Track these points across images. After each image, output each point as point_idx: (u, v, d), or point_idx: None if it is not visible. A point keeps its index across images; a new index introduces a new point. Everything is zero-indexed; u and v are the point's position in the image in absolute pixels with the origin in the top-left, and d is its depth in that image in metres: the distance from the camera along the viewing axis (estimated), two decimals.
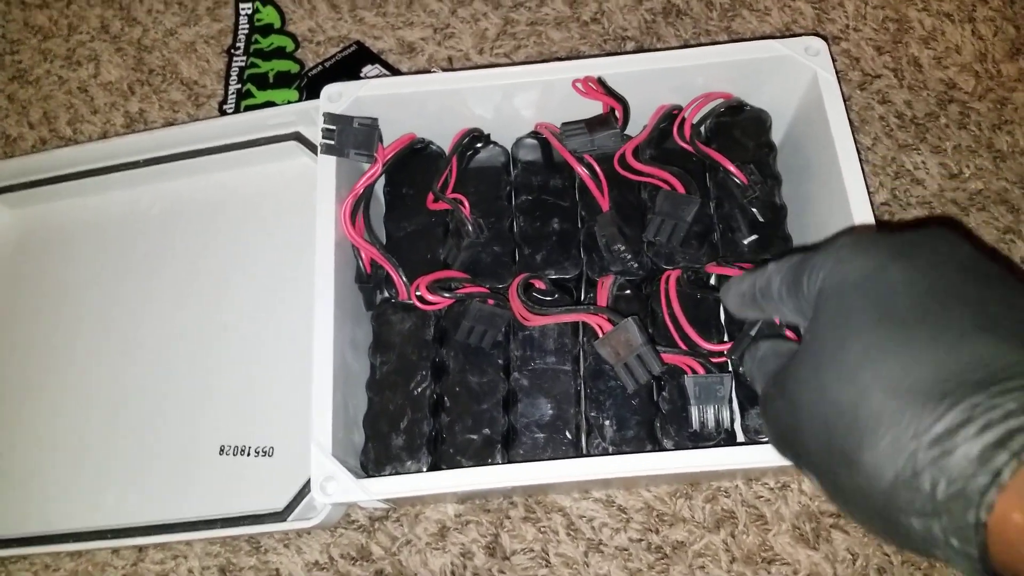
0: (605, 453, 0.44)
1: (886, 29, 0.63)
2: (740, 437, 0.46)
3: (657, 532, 0.51)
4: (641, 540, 0.51)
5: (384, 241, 0.49)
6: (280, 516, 0.45)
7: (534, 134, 0.51)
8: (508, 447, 0.45)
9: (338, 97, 0.48)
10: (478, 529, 0.51)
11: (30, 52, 0.71)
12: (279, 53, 0.66)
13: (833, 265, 0.30)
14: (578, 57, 0.63)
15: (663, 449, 0.44)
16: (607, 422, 0.45)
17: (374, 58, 0.65)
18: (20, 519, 0.51)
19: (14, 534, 0.49)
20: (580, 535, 0.51)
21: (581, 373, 0.46)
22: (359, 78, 0.64)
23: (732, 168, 0.46)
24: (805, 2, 0.64)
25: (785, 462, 0.40)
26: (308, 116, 0.54)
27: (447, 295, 0.45)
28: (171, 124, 0.65)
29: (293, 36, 0.67)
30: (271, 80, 0.65)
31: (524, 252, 0.48)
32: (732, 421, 0.44)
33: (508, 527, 0.51)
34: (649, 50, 0.64)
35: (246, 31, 0.68)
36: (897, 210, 0.58)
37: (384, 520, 0.52)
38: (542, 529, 0.51)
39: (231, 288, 0.56)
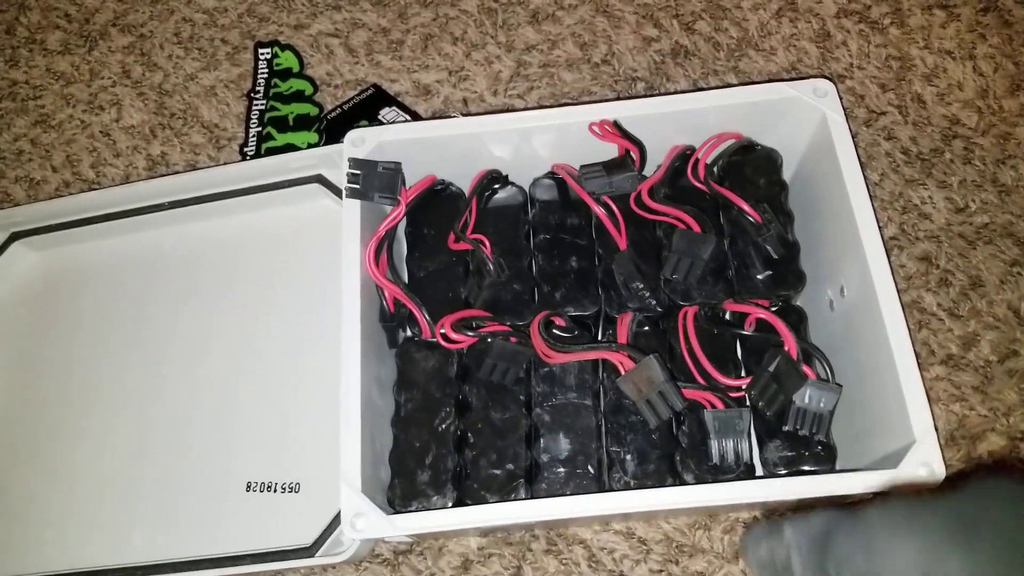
0: (627, 487, 0.45)
1: (889, 67, 0.65)
2: (759, 469, 0.46)
3: (677, 563, 0.51)
4: (662, 571, 0.51)
5: (406, 281, 0.51)
6: (308, 551, 0.46)
7: (551, 174, 0.52)
8: (531, 482, 0.46)
9: (361, 142, 0.49)
10: (500, 562, 0.52)
11: (53, 97, 0.73)
12: (298, 96, 0.68)
13: (864, 560, 0.24)
14: (594, 101, 0.65)
15: (684, 483, 0.45)
16: (628, 456, 0.45)
17: (391, 100, 0.67)
18: (50, 558, 0.52)
19: (43, 572, 0.50)
20: (601, 567, 0.51)
21: (602, 408, 0.47)
22: (377, 120, 0.66)
23: (746, 207, 0.47)
24: (810, 42, 0.66)
25: (796, 497, 0.40)
26: (330, 159, 0.56)
27: (470, 333, 0.46)
28: (193, 166, 0.67)
29: (312, 80, 0.69)
30: (291, 123, 0.67)
31: (544, 290, 0.49)
32: (751, 454, 0.45)
33: (530, 559, 0.52)
34: (658, 90, 0.66)
35: (265, 75, 0.70)
36: (906, 244, 0.59)
37: (408, 554, 0.52)
38: (564, 561, 0.52)
39: (255, 327, 0.57)
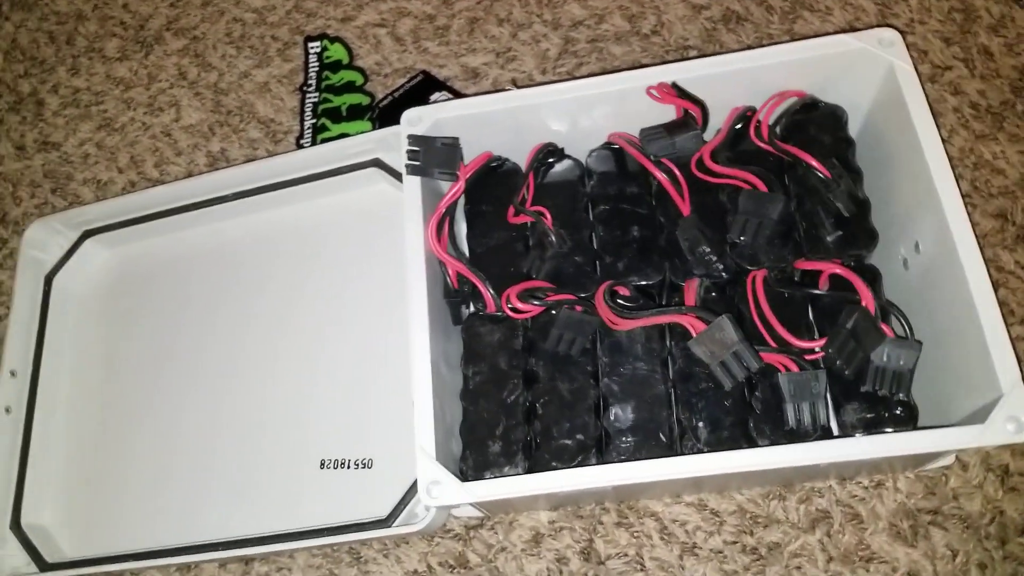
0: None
1: (952, 20, 0.63)
2: (836, 433, 0.45)
3: (752, 534, 0.50)
4: (736, 542, 0.50)
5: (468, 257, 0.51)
6: (384, 523, 0.46)
7: (607, 145, 0.52)
8: (602, 452, 0.45)
9: (418, 121, 0.50)
10: (572, 535, 0.52)
11: (114, 102, 0.75)
12: (349, 87, 0.69)
13: None
14: (646, 66, 0.64)
15: (759, 447, 0.44)
16: (700, 424, 0.45)
17: (440, 85, 0.67)
18: (131, 536, 0.54)
19: (125, 551, 0.52)
20: (674, 539, 0.51)
21: (671, 376, 0.46)
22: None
23: (814, 163, 0.46)
24: None
25: (880, 455, 0.39)
26: (387, 143, 0.56)
27: (537, 303, 0.46)
28: (251, 160, 0.68)
29: (362, 70, 0.70)
30: (344, 113, 0.68)
31: (606, 261, 0.49)
32: (828, 417, 0.44)
33: (602, 532, 0.51)
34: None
35: (316, 68, 0.71)
36: (979, 201, 0.57)
37: (479, 528, 0.52)
38: (635, 534, 0.51)
39: (322, 311, 0.58)
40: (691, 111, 0.47)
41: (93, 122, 0.74)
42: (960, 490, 0.50)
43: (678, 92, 0.47)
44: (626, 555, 0.51)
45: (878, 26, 0.62)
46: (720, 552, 0.50)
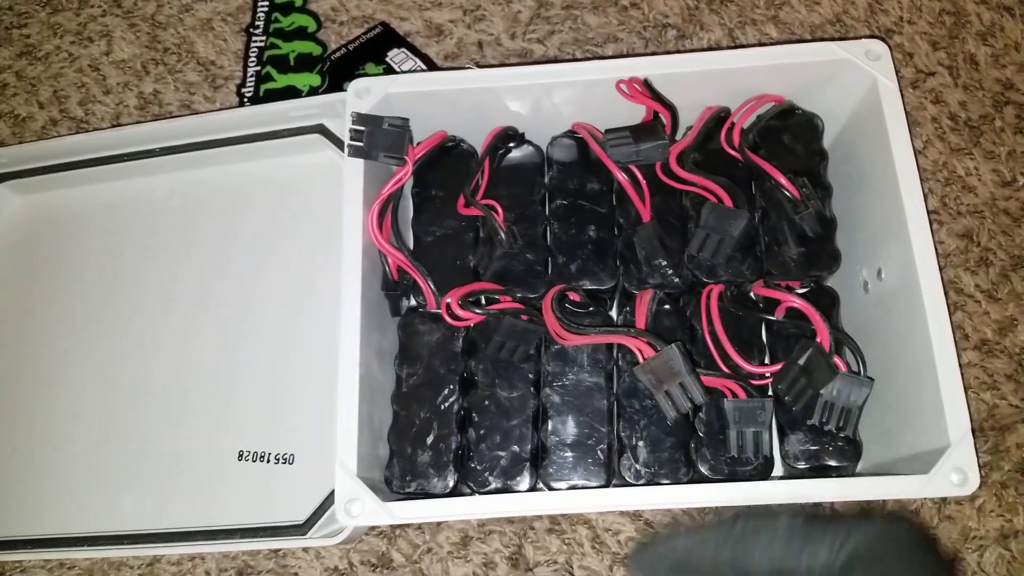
0: (637, 476, 0.42)
1: (942, 23, 0.60)
2: (777, 461, 0.44)
3: None
4: None
5: (412, 245, 0.47)
6: (301, 529, 0.44)
7: (571, 133, 0.48)
8: (536, 465, 0.43)
9: (366, 93, 0.45)
10: (501, 539, 0.50)
11: (39, 26, 0.68)
12: (300, 33, 0.64)
13: None
14: (621, 56, 0.60)
15: (698, 472, 0.43)
16: (641, 443, 0.43)
17: (400, 41, 0.62)
18: (35, 520, 0.50)
19: (29, 535, 0.48)
20: (606, 548, 0.50)
21: (615, 390, 0.45)
22: (384, 63, 0.61)
23: (784, 181, 0.43)
24: None
25: (817, 500, 0.39)
26: (333, 109, 0.52)
27: (478, 311, 0.43)
28: (187, 107, 0.63)
29: (315, 15, 0.64)
30: (292, 63, 0.62)
31: (558, 261, 0.46)
32: (771, 447, 0.43)
33: (532, 538, 0.50)
34: (691, 38, 0.61)
35: (266, 8, 0.65)
36: (946, 219, 0.55)
37: (406, 527, 0.50)
38: (567, 541, 0.50)
39: (252, 284, 0.54)
40: (660, 114, 0.43)
41: (14, 48, 0.67)
42: (896, 514, 0.50)
43: (650, 92, 0.44)
44: (555, 563, 0.49)
45: (864, 24, 0.59)
46: None
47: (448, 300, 0.42)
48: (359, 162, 0.44)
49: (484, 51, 0.62)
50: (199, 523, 0.46)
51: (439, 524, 0.50)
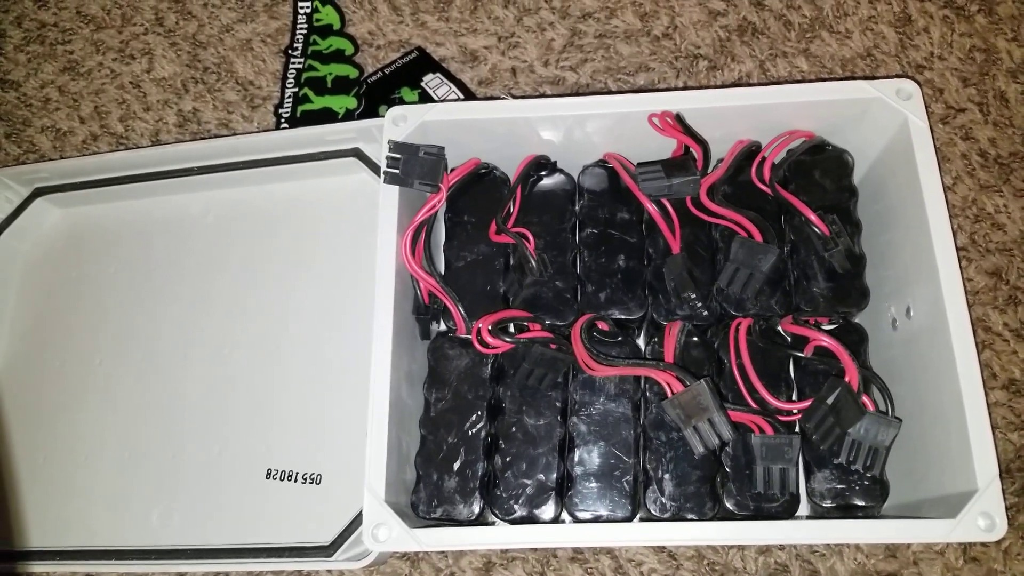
0: (663, 509, 0.42)
1: (972, 59, 0.60)
2: (803, 500, 0.44)
3: None
4: None
5: (443, 270, 0.48)
6: (327, 551, 0.44)
7: (602, 163, 0.49)
8: (561, 494, 0.44)
9: (403, 120, 0.46)
10: (524, 567, 0.50)
11: (82, 43, 0.70)
12: (338, 56, 0.65)
13: None
14: (651, 90, 0.61)
15: (723, 508, 0.43)
16: (667, 476, 0.43)
17: (435, 66, 0.63)
18: (63, 532, 0.51)
19: (57, 546, 0.49)
20: None
21: (642, 421, 0.45)
22: (419, 87, 0.62)
23: (814, 218, 0.43)
24: (889, 26, 0.61)
25: (843, 542, 0.38)
26: (369, 134, 0.53)
27: (508, 339, 0.43)
28: (225, 125, 0.64)
29: (352, 39, 0.65)
30: (329, 85, 0.63)
31: (587, 289, 0.46)
32: (797, 484, 0.43)
33: (555, 566, 0.50)
34: (722, 69, 0.61)
35: (304, 31, 0.66)
36: (975, 256, 0.55)
37: (429, 552, 0.51)
38: (589, 571, 0.50)
39: (285, 304, 0.54)
40: (692, 149, 0.44)
41: (58, 63, 0.69)
42: (921, 555, 0.49)
43: (681, 126, 0.44)
44: None
45: (895, 59, 0.60)
46: None
47: (479, 326, 0.43)
48: (394, 188, 0.45)
49: (517, 77, 0.63)
50: (226, 540, 0.46)
51: (463, 550, 0.51)
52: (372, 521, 0.39)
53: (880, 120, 0.45)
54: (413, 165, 0.44)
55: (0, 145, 0.66)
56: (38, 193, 0.59)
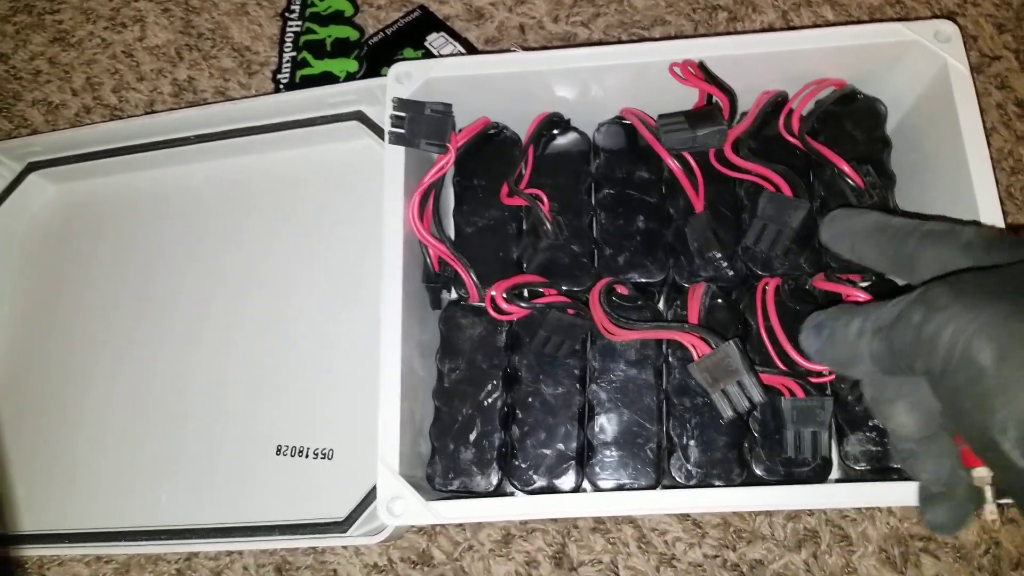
0: (688, 476, 0.41)
1: (1008, 4, 0.57)
2: (835, 463, 0.42)
3: (734, 549, 0.48)
4: (716, 556, 0.48)
5: (453, 236, 0.46)
6: (341, 527, 0.43)
7: (619, 119, 0.47)
8: (582, 464, 0.42)
9: (407, 78, 0.44)
10: (544, 538, 0.49)
11: (71, 12, 0.67)
12: (337, 18, 0.62)
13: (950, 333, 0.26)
14: (669, 37, 0.58)
15: (752, 474, 0.41)
16: (692, 442, 0.41)
17: (440, 25, 0.61)
18: (73, 514, 0.49)
19: (67, 529, 0.48)
20: (652, 549, 0.48)
21: (664, 386, 0.43)
22: (423, 47, 0.60)
23: (847, 169, 0.41)
24: None
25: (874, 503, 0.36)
26: (372, 95, 0.50)
27: (523, 304, 0.41)
28: (221, 93, 0.62)
29: None
30: (328, 48, 0.61)
31: (605, 253, 0.44)
32: (829, 448, 0.41)
33: (576, 537, 0.49)
34: (742, 20, 0.58)
35: None
36: (1012, 209, 0.52)
37: (447, 524, 0.49)
38: (611, 540, 0.48)
39: (290, 275, 0.52)
40: (717, 99, 0.41)
41: (47, 33, 0.66)
42: None
43: (705, 75, 0.42)
44: (600, 562, 0.48)
45: (925, 4, 0.56)
46: (699, 566, 0.48)
47: (493, 293, 0.41)
48: (400, 150, 0.43)
49: (526, 35, 0.60)
50: (237, 519, 0.45)
51: (481, 522, 0.49)
52: (387, 495, 0.37)
53: (917, 65, 0.42)
54: (419, 124, 0.42)
55: None
56: (31, 168, 0.57)
